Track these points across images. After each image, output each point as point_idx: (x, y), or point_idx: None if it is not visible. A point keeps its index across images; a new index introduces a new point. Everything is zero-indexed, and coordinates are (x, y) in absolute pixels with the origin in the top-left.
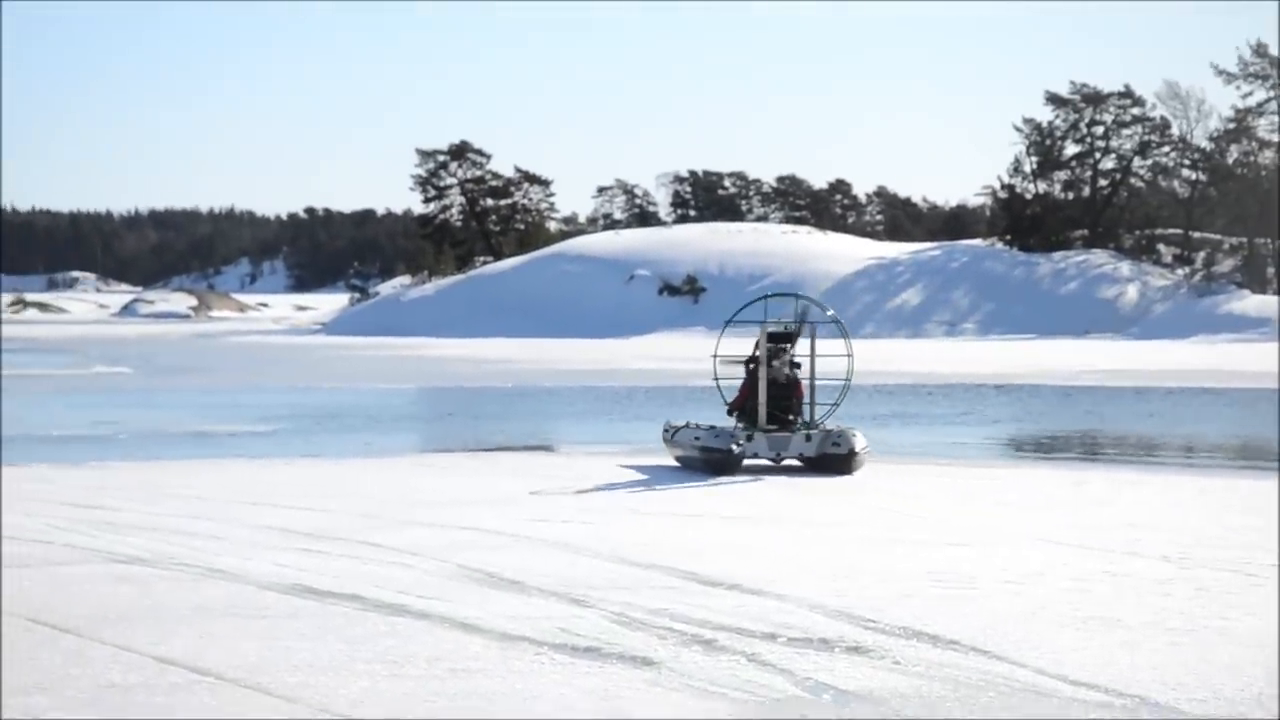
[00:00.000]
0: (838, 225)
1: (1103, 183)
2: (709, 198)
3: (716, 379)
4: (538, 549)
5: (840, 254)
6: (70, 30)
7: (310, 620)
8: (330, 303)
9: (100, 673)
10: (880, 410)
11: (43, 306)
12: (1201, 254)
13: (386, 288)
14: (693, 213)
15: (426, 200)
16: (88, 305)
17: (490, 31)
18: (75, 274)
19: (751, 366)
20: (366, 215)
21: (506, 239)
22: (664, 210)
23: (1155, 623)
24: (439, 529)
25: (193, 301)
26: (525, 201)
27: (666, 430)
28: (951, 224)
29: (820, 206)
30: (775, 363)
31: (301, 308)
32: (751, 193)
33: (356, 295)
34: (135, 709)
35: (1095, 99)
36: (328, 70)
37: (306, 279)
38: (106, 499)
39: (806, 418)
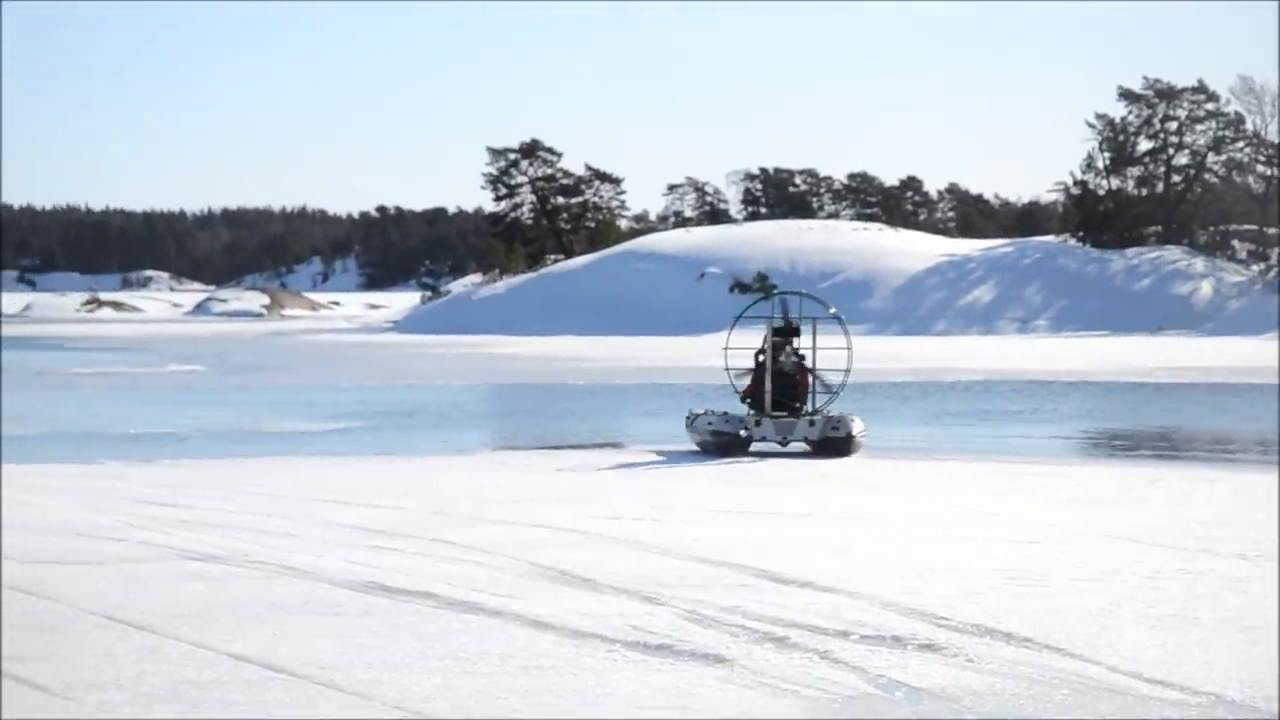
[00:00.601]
0: (909, 222)
1: (1176, 179)
2: (780, 195)
3: (727, 368)
4: (609, 546)
5: (912, 251)
6: (141, 28)
7: (383, 617)
8: (402, 301)
9: (175, 669)
10: (954, 407)
11: (117, 305)
12: (1276, 250)
13: (458, 286)
14: (763, 210)
15: (498, 198)
16: (161, 304)
17: (560, 29)
18: (149, 273)
19: (760, 359)
20: (438, 213)
21: (577, 237)
22: (735, 208)
23: (1231, 621)
24: (511, 526)
25: (265, 300)
26: (596, 199)
27: (688, 417)
28: (1024, 220)
29: (891, 203)
30: (781, 356)
31: (373, 306)
32: (822, 190)
33: (428, 293)
34: (210, 705)
35: (1169, 95)
36: (399, 68)
37: (378, 277)
38: (181, 496)
39: (811, 405)
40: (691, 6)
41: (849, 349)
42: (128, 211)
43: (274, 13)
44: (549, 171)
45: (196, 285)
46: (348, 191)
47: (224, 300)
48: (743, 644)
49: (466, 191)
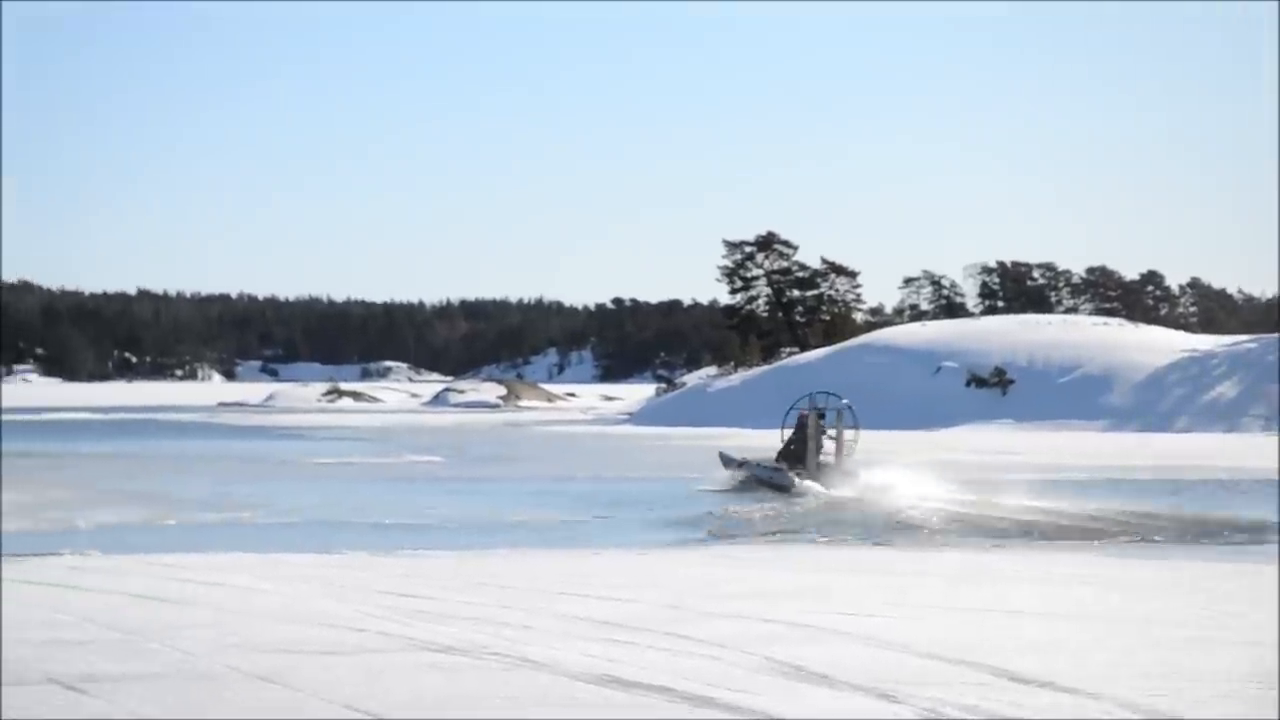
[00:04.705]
0: (1149, 317)
1: None
2: (1017, 289)
3: (783, 441)
4: (845, 642)
5: (1152, 345)
6: (383, 126)
7: (620, 711)
8: (637, 393)
9: None
10: (1196, 506)
11: (356, 395)
12: None
13: (693, 378)
14: (1000, 304)
15: (733, 291)
16: (400, 394)
17: (796, 123)
18: (388, 363)
19: (796, 433)
20: (673, 305)
21: (812, 330)
22: (971, 301)
23: None
24: (745, 620)
25: (502, 391)
26: (832, 292)
27: (730, 460)
28: (1269, 316)
29: (1131, 298)
30: (809, 430)
31: (608, 398)
32: (1061, 284)
33: (663, 385)
34: None
35: None
36: (636, 163)
37: (613, 369)
38: (419, 587)
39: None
40: (929, 100)
41: (856, 427)
42: (368, 302)
43: (510, 109)
44: (785, 264)
45: (434, 376)
46: (584, 283)
47: (461, 391)
48: None
49: (702, 284)
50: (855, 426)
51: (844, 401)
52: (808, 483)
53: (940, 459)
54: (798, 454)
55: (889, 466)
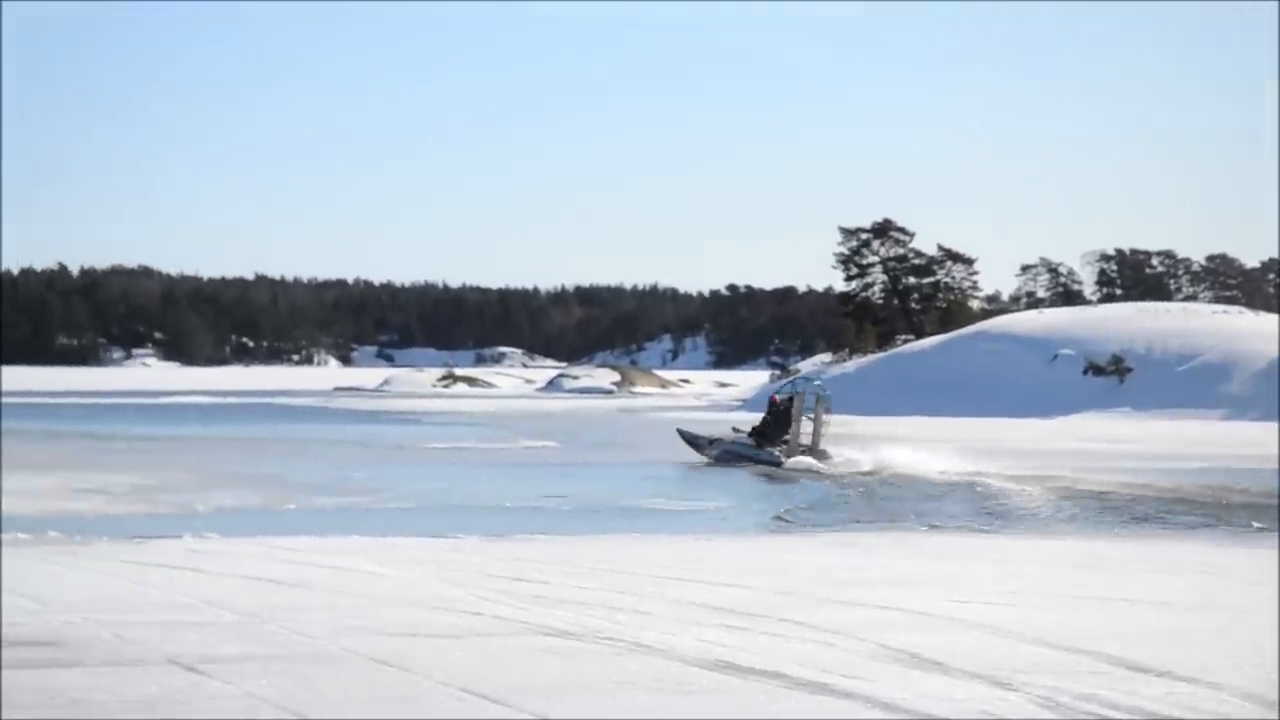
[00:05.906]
0: (1270, 305)
1: None
2: (1135, 276)
3: (765, 418)
4: (959, 630)
5: (1273, 334)
6: (504, 113)
7: (733, 697)
8: (751, 379)
9: None
10: None
11: (471, 381)
12: None
13: (807, 365)
14: (1118, 292)
15: (848, 278)
16: (514, 380)
17: (912, 109)
18: (502, 349)
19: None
20: (788, 292)
21: (928, 317)
22: (1089, 289)
23: None
24: (858, 607)
25: (616, 377)
26: (948, 280)
27: (704, 440)
28: None
29: (1252, 286)
30: (793, 411)
31: (722, 384)
32: (1180, 272)
33: (777, 372)
34: None
35: None
36: (753, 150)
37: (727, 355)
38: (533, 571)
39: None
40: (1047, 86)
41: (829, 412)
42: (483, 288)
43: (628, 96)
44: (901, 251)
45: (549, 362)
46: (699, 270)
47: (575, 377)
48: None
49: (817, 270)
50: (829, 410)
51: (817, 383)
52: (800, 458)
53: (1055, 448)
54: (770, 435)
55: (877, 446)
